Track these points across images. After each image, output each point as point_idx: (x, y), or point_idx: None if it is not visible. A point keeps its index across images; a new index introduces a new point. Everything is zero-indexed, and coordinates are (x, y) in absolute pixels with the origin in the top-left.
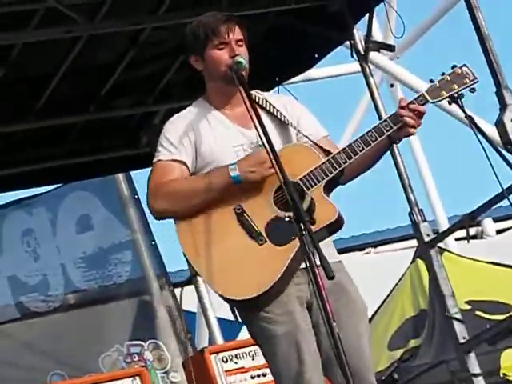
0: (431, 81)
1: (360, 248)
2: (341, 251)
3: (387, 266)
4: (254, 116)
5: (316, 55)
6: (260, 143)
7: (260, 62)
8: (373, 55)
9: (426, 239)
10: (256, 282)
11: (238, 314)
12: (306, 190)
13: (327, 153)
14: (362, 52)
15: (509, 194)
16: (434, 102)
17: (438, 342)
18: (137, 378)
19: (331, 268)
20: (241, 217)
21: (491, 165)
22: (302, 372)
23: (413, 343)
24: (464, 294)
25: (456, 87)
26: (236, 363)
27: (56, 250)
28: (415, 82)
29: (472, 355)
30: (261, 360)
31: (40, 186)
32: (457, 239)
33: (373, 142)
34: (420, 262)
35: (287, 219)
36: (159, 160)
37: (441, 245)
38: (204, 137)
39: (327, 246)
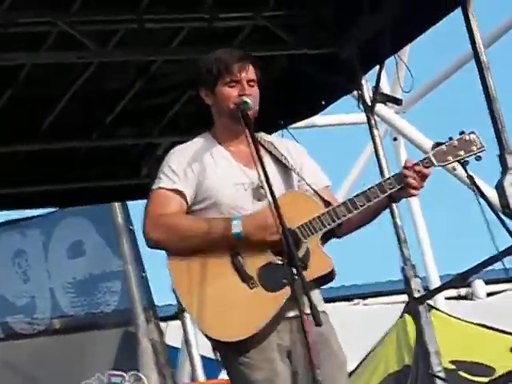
0: (438, 144)
1: (349, 298)
2: (329, 300)
3: (374, 319)
4: (255, 157)
5: (323, 102)
6: (260, 185)
7: (267, 104)
8: (379, 107)
9: (416, 295)
10: (241, 327)
11: (218, 354)
12: (302, 238)
13: (327, 203)
14: (369, 103)
15: (503, 258)
16: (439, 166)
17: None
18: None
19: (319, 316)
20: (235, 259)
21: (488, 226)
22: None
23: None
24: (449, 353)
25: (463, 153)
26: None
27: (46, 273)
28: (419, 137)
29: None
30: None
31: (36, 208)
32: (447, 298)
33: (374, 198)
34: (408, 317)
35: (280, 262)
36: (160, 187)
37: (430, 302)
38: (207, 171)
39: (314, 296)
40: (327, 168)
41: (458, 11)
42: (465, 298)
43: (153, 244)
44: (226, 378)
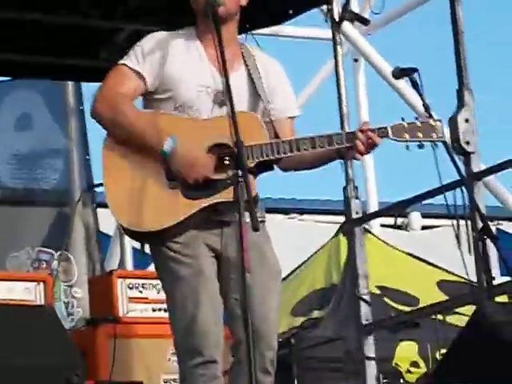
0: (402, 119)
1: (286, 211)
2: (266, 211)
3: (308, 235)
4: (219, 58)
5: (291, 11)
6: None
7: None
8: (344, 25)
9: (354, 216)
10: (151, 221)
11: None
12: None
13: (277, 137)
14: (337, 19)
15: (445, 192)
16: (393, 140)
17: (340, 318)
18: (41, 283)
19: (258, 220)
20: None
21: (436, 159)
22: (196, 316)
23: (316, 314)
24: (377, 278)
25: (421, 136)
26: (141, 292)
27: None
28: (380, 62)
29: (370, 338)
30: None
31: None
32: (382, 225)
33: (319, 147)
34: (342, 238)
35: (227, 162)
36: (124, 64)
37: (366, 226)
38: (174, 64)
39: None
40: None
41: None
42: (399, 227)
43: (95, 115)
44: (153, 271)
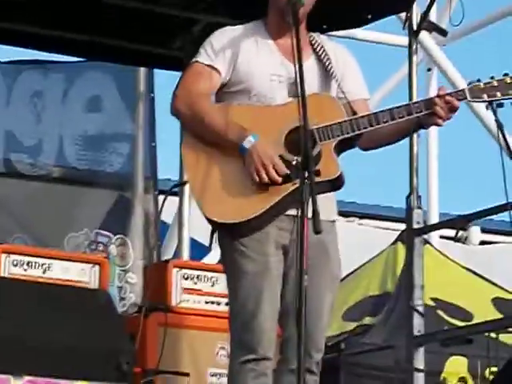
0: (478, 80)
1: (345, 215)
2: None
3: (366, 240)
4: (295, 51)
5: (369, 16)
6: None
7: (315, 6)
8: (421, 34)
9: (415, 226)
10: (238, 210)
11: (215, 239)
12: (318, 140)
13: (354, 114)
14: (415, 28)
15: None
16: (472, 101)
17: (392, 327)
18: (96, 266)
19: (320, 223)
20: None
21: (504, 173)
22: (257, 314)
23: (367, 320)
24: (432, 290)
25: (499, 95)
26: (195, 284)
27: (59, 120)
28: (453, 73)
29: (421, 350)
30: (219, 289)
31: (63, 54)
32: (441, 237)
33: (399, 117)
34: (400, 246)
35: (294, 163)
36: (197, 61)
37: (425, 237)
38: (246, 56)
39: (326, 202)
40: None
41: None
42: (457, 240)
43: (174, 112)
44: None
